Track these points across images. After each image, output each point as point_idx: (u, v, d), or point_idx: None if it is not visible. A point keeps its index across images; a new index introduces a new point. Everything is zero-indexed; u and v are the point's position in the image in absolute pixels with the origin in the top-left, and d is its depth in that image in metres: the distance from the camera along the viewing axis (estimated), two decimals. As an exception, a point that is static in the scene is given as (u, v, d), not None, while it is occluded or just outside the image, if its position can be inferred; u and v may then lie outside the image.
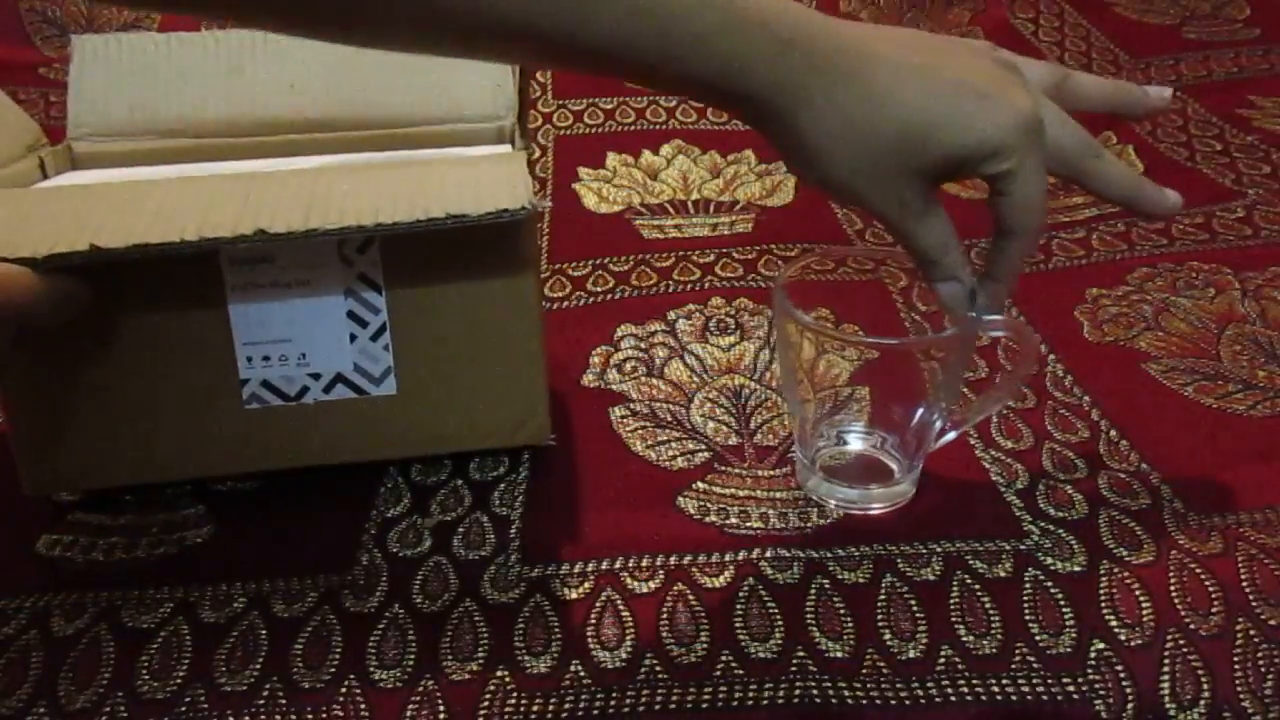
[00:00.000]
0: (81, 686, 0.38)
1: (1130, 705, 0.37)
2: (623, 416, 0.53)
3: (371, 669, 0.38)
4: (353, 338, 0.44)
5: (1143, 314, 0.61)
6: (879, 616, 0.40)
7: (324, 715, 0.37)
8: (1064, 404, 0.53)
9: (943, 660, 0.38)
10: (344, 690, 0.38)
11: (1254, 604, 0.40)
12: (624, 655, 0.39)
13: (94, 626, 0.41)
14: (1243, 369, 0.55)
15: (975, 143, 0.37)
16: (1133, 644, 0.39)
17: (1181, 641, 0.39)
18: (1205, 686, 0.37)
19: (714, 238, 0.72)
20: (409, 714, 0.37)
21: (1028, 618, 0.40)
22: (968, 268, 0.40)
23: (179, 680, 0.38)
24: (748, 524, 0.45)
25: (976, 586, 0.41)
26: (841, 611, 0.40)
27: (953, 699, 0.37)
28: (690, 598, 0.41)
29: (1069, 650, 0.38)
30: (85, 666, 0.39)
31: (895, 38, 0.38)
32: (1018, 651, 0.38)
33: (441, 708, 0.37)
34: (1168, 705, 0.37)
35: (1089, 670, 0.38)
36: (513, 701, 0.37)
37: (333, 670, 0.38)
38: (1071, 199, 0.76)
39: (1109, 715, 0.37)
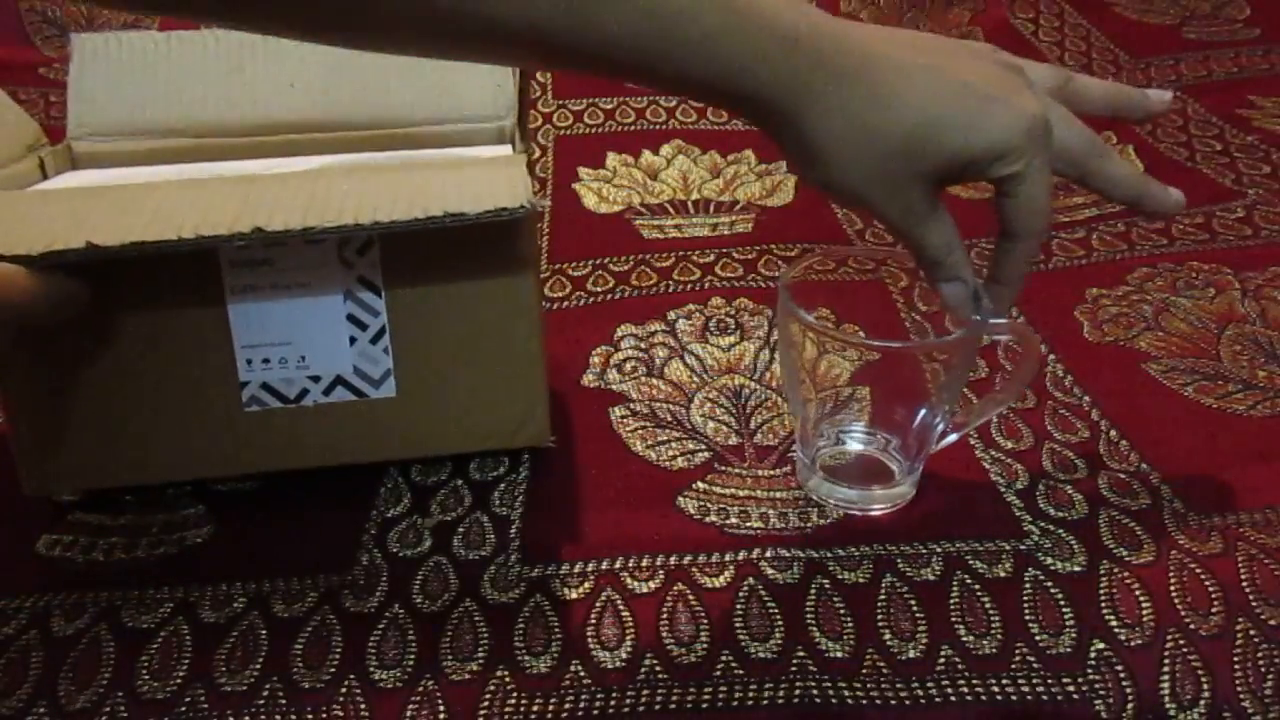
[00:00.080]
0: (81, 686, 0.38)
1: (1130, 705, 0.37)
2: (623, 416, 0.52)
3: (371, 669, 0.38)
4: (352, 340, 0.44)
5: (1143, 314, 0.61)
6: (879, 616, 0.40)
7: (324, 715, 0.37)
8: (1064, 404, 0.53)
9: (943, 660, 0.38)
10: (344, 690, 0.38)
11: (1254, 604, 0.40)
12: (624, 655, 0.39)
13: (94, 626, 0.41)
14: (1243, 369, 0.55)
15: (983, 145, 0.37)
16: (1133, 644, 0.39)
17: (1181, 641, 0.39)
18: (1205, 686, 0.37)
19: (714, 238, 0.72)
20: (409, 714, 0.37)
21: (1028, 618, 0.40)
22: (971, 268, 0.40)
23: (179, 680, 0.38)
24: (748, 524, 0.45)
25: (976, 586, 0.41)
26: (841, 611, 0.40)
27: (953, 699, 0.37)
28: (690, 598, 0.41)
29: (1069, 650, 0.38)
30: (85, 666, 0.39)
31: (901, 39, 0.38)
32: (1018, 651, 0.38)
33: (441, 708, 0.37)
34: (1168, 705, 0.37)
35: (1089, 670, 0.38)
36: (513, 701, 0.37)
37: (333, 670, 0.38)
38: (1072, 199, 0.76)
39: (1109, 715, 0.37)
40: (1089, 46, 1.04)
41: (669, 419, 0.52)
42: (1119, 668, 0.38)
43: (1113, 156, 0.41)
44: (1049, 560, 0.42)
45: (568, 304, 0.64)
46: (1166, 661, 0.38)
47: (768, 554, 0.43)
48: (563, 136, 0.89)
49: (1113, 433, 0.50)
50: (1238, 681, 0.37)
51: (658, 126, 0.89)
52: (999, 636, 0.39)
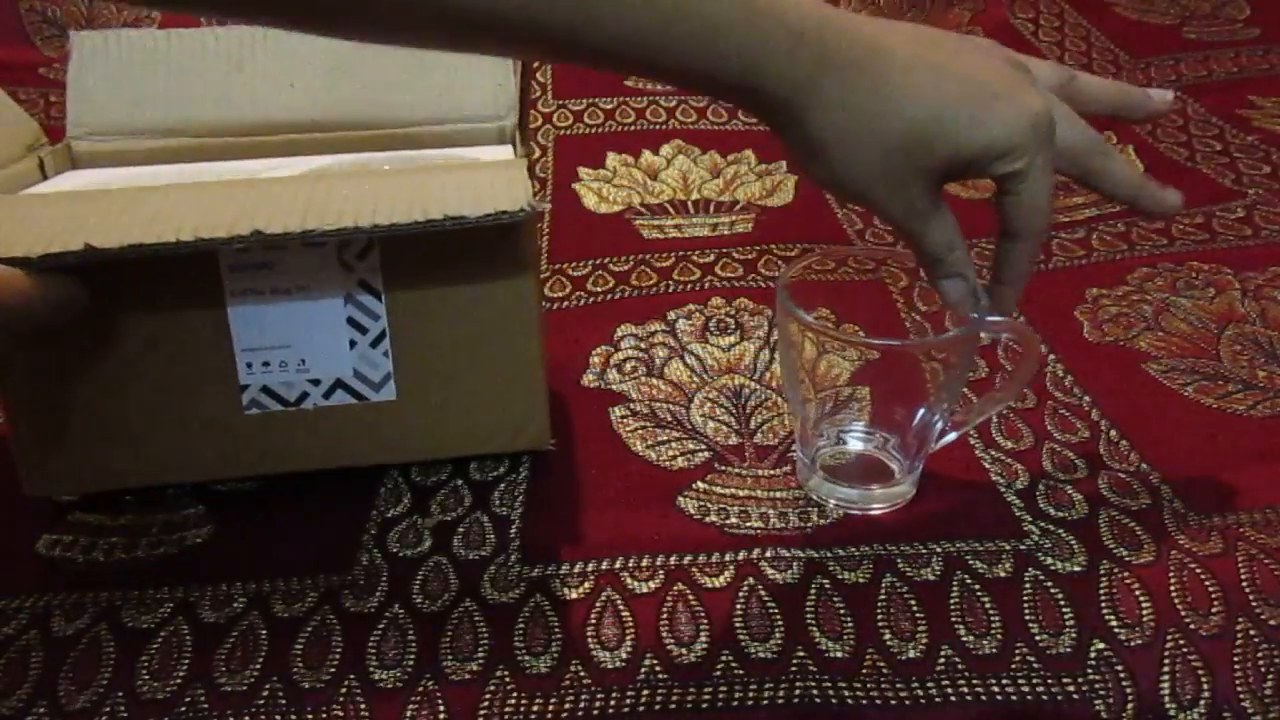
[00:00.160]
0: (81, 686, 0.38)
1: (1130, 705, 0.37)
2: (623, 416, 0.52)
3: (371, 669, 0.38)
4: (352, 344, 0.44)
5: (1143, 314, 0.61)
6: (879, 616, 0.40)
7: (324, 715, 0.37)
8: (1064, 404, 0.53)
9: (943, 660, 0.38)
10: (344, 690, 0.38)
11: (1254, 604, 0.40)
12: (624, 655, 0.39)
13: (94, 626, 0.41)
14: (1243, 369, 0.55)
15: (986, 142, 0.37)
16: (1133, 644, 0.39)
17: (1181, 641, 0.39)
18: (1205, 686, 0.37)
19: (714, 238, 0.72)
20: (409, 714, 0.37)
21: (1028, 618, 0.40)
22: (971, 266, 0.40)
23: (179, 680, 0.38)
24: (748, 524, 0.45)
25: (976, 586, 0.41)
26: (841, 611, 0.40)
27: (953, 699, 0.37)
28: (690, 598, 0.41)
29: (1069, 650, 0.38)
30: (85, 666, 0.39)
31: (906, 34, 0.38)
32: (1018, 651, 0.38)
33: (441, 708, 0.37)
34: (1168, 705, 0.37)
35: (1089, 670, 0.38)
36: (513, 701, 0.37)
37: (333, 670, 0.38)
38: (1072, 199, 0.76)
39: (1109, 715, 0.37)
40: (1089, 46, 1.04)
41: (669, 419, 0.52)
42: (1119, 668, 0.38)
43: (1114, 156, 0.41)
44: (1049, 560, 0.42)
45: (568, 304, 0.64)
46: (1166, 661, 0.38)
47: (768, 554, 0.43)
48: (563, 136, 0.89)
49: (1113, 433, 0.50)
50: (1238, 681, 0.37)
51: (658, 126, 0.89)
52: (999, 636, 0.39)
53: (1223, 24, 1.07)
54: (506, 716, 0.37)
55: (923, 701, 0.37)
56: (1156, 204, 0.42)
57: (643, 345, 0.59)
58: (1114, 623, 0.39)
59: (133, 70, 0.55)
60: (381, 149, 0.56)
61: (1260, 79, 0.96)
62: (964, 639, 0.39)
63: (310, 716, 0.37)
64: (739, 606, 0.40)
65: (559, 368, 0.56)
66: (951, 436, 0.46)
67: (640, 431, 0.51)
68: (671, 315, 0.61)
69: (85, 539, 0.45)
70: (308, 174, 0.47)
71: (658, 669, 0.38)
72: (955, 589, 0.41)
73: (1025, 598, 0.41)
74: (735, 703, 0.37)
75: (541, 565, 0.43)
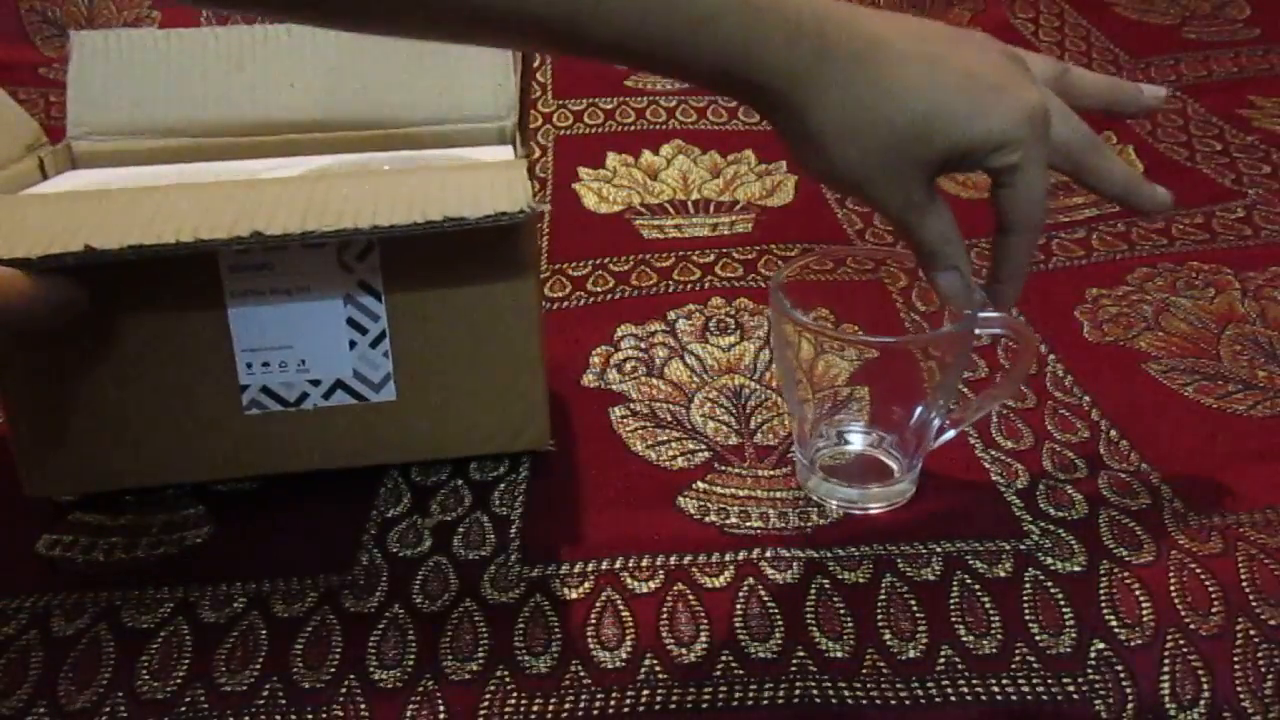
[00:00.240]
0: (81, 686, 0.38)
1: (1130, 705, 0.37)
2: (623, 416, 0.52)
3: (371, 669, 0.38)
4: (352, 344, 0.44)
5: (1143, 314, 0.61)
6: (879, 616, 0.40)
7: (324, 715, 0.37)
8: (1064, 404, 0.53)
9: (943, 660, 0.38)
10: (344, 690, 0.38)
11: (1254, 604, 0.40)
12: (624, 655, 0.39)
13: (94, 626, 0.41)
14: (1243, 369, 0.55)
15: (983, 134, 0.37)
16: (1133, 644, 0.39)
17: (1181, 641, 0.39)
18: (1205, 686, 0.37)
19: (714, 238, 0.72)
20: (409, 714, 0.37)
21: (1028, 618, 0.40)
22: (968, 260, 0.40)
23: (179, 680, 0.38)
24: (748, 524, 0.45)
25: (976, 586, 0.41)
26: (841, 611, 0.40)
27: (953, 699, 0.37)
28: (690, 598, 0.41)
29: (1069, 650, 0.38)
30: (85, 666, 0.39)
31: (905, 27, 0.38)
32: (1018, 651, 0.38)
33: (441, 708, 0.37)
34: (1168, 705, 0.37)
35: (1089, 670, 0.38)
36: (513, 701, 0.37)
37: (333, 670, 0.38)
38: (1072, 199, 0.76)
39: (1109, 715, 0.37)
40: (1089, 46, 1.04)
41: (669, 419, 0.52)
42: (1119, 668, 0.38)
43: (1108, 153, 0.41)
44: (1049, 560, 0.42)
45: (568, 304, 0.64)
46: (1166, 661, 0.38)
47: (768, 554, 0.43)
48: (563, 136, 0.89)
49: (1113, 433, 0.50)
50: (1238, 681, 0.37)
51: (658, 126, 0.89)
52: (999, 636, 0.39)
53: (1223, 24, 1.07)
54: (506, 716, 0.37)
55: (923, 701, 0.37)
56: (1149, 202, 0.42)
57: (643, 345, 0.59)
58: (1114, 623, 0.39)
59: (133, 70, 0.55)
60: (381, 149, 0.56)
61: (1260, 79, 0.96)
62: (964, 639, 0.39)
63: (310, 716, 0.37)
64: (739, 606, 0.40)
65: (559, 368, 0.56)
66: (950, 434, 0.46)
67: (640, 431, 0.51)
68: (671, 315, 0.61)
69: (85, 539, 0.45)
70: (308, 174, 0.47)
71: (658, 669, 0.38)
72: (955, 589, 0.41)
73: (1025, 598, 0.41)
74: (735, 703, 0.37)
75: (541, 565, 0.43)
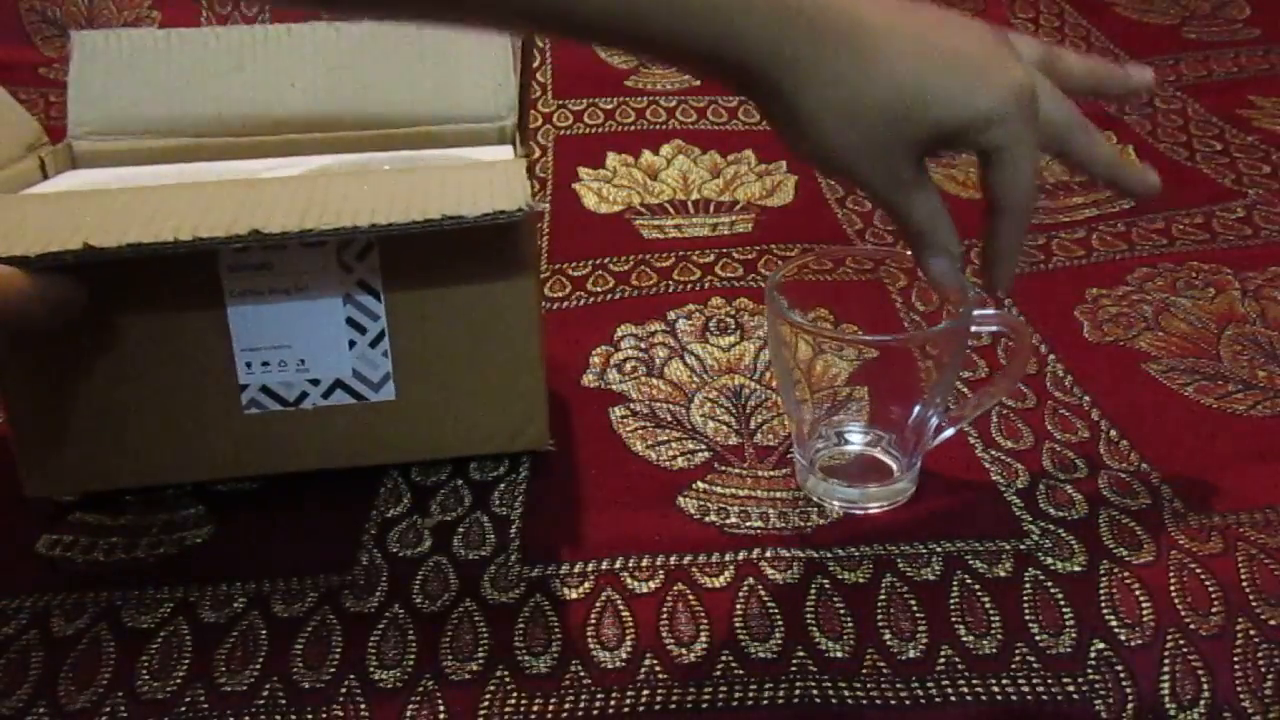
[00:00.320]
0: (81, 686, 0.38)
1: (1130, 705, 0.37)
2: (623, 416, 0.52)
3: (371, 669, 0.38)
4: (351, 344, 0.44)
5: (1143, 314, 0.61)
6: (879, 616, 0.40)
7: (324, 715, 0.37)
8: (1064, 404, 0.53)
9: (943, 660, 0.38)
10: (344, 690, 0.38)
11: (1254, 604, 0.40)
12: (624, 655, 0.39)
13: (94, 626, 0.41)
14: (1243, 369, 0.55)
15: (970, 113, 0.36)
16: (1133, 644, 0.39)
17: (1181, 641, 0.39)
18: (1205, 686, 0.37)
19: (714, 238, 0.72)
20: (409, 714, 0.37)
21: (1028, 618, 0.40)
22: (957, 242, 0.40)
23: (179, 680, 0.38)
24: (748, 524, 0.45)
25: (976, 586, 0.41)
26: (841, 611, 0.40)
27: (953, 699, 0.37)
28: (690, 598, 0.41)
29: (1069, 650, 0.38)
30: (85, 666, 0.39)
31: (891, 6, 0.37)
32: (1018, 651, 0.38)
33: (441, 708, 0.37)
34: (1168, 705, 0.37)
35: (1089, 670, 0.38)
36: (513, 701, 0.37)
37: (333, 670, 0.38)
38: (1072, 199, 0.76)
39: (1109, 715, 0.37)
40: (1089, 46, 1.04)
41: (669, 419, 0.52)
42: (1119, 668, 0.38)
43: (1094, 133, 0.41)
44: (1049, 560, 0.42)
45: (568, 304, 0.64)
46: (1166, 661, 0.38)
47: (768, 554, 0.43)
48: (563, 136, 0.89)
49: (1113, 433, 0.50)
50: (1238, 681, 0.37)
51: (658, 126, 0.89)
52: (999, 636, 0.39)
53: (1223, 24, 1.07)
54: (506, 716, 0.37)
55: (923, 701, 0.37)
56: (1138, 184, 0.42)
57: (643, 345, 0.59)
58: (1114, 623, 0.39)
59: (133, 70, 0.55)
60: (381, 149, 0.56)
61: (1260, 79, 0.96)
62: (964, 639, 0.39)
63: (310, 716, 0.37)
64: (739, 606, 0.40)
65: (559, 368, 0.56)
66: (949, 433, 0.46)
67: (640, 431, 0.51)
68: (671, 315, 0.61)
69: (85, 539, 0.45)
70: (307, 174, 0.47)
71: (658, 669, 0.38)
72: (955, 589, 0.41)
73: (1025, 598, 0.41)
74: (735, 703, 0.37)
75: (541, 565, 0.43)
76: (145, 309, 0.43)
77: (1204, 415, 0.51)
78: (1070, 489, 0.46)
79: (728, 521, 0.45)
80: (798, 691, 0.37)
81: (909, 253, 0.42)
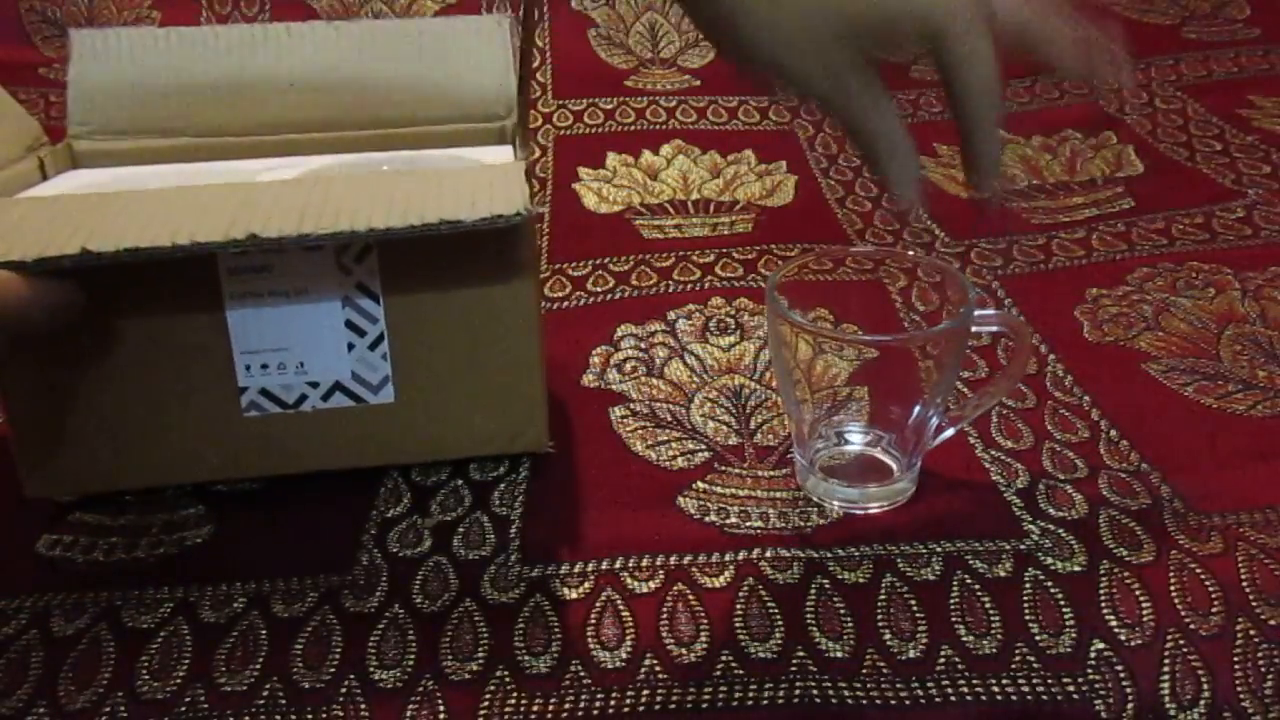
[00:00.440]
0: (81, 686, 0.38)
1: (1130, 705, 0.37)
2: (623, 416, 0.52)
3: (371, 669, 0.38)
4: (350, 346, 0.44)
5: (1143, 314, 0.61)
6: (879, 616, 0.40)
7: (324, 715, 0.37)
8: (1064, 404, 0.53)
9: (943, 660, 0.38)
10: (344, 690, 0.38)
11: (1254, 604, 0.40)
12: (624, 655, 0.39)
13: (94, 626, 0.41)
14: (1243, 369, 0.55)
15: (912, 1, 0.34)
16: (1133, 644, 0.39)
17: (1181, 641, 0.39)
18: (1205, 686, 0.37)
19: (714, 238, 0.72)
20: (409, 714, 0.37)
21: (1028, 618, 0.40)
22: (913, 149, 0.37)
23: (179, 680, 0.38)
24: (748, 524, 0.45)
25: (976, 586, 0.41)
26: (841, 611, 0.40)
27: (953, 699, 0.37)
28: (690, 598, 0.41)
29: (1069, 650, 0.38)
30: (85, 666, 0.39)
31: None
32: (1018, 651, 0.38)
33: (441, 708, 0.37)
34: (1168, 705, 0.37)
35: (1089, 670, 0.38)
36: (513, 701, 0.37)
37: (333, 670, 0.38)
38: (1072, 199, 0.76)
39: (1109, 715, 0.37)
40: (1089, 46, 1.04)
41: (669, 419, 0.52)
42: (1119, 668, 0.38)
43: (1055, 22, 0.37)
44: (1049, 560, 0.42)
45: (568, 304, 0.64)
46: (1166, 661, 0.38)
47: (768, 554, 0.43)
48: (563, 136, 0.89)
49: (1113, 433, 0.50)
50: (1238, 681, 0.37)
51: (658, 126, 0.89)
52: (999, 636, 0.39)
53: (1223, 24, 1.07)
54: (506, 716, 0.37)
55: (923, 701, 0.37)
56: (1110, 71, 0.39)
57: (643, 345, 0.59)
58: (1114, 623, 0.39)
59: (133, 69, 0.55)
60: (381, 149, 0.56)
61: (1260, 79, 0.96)
62: (964, 639, 0.39)
63: (310, 716, 0.37)
64: (739, 606, 0.40)
65: (559, 368, 0.56)
66: (949, 433, 0.46)
67: (640, 431, 0.51)
68: (671, 315, 0.62)
69: (85, 539, 0.45)
70: (305, 176, 0.47)
71: (658, 669, 0.38)
72: (955, 589, 0.41)
73: (1025, 598, 0.41)
74: (735, 703, 0.37)
75: (541, 565, 0.43)
76: (144, 311, 0.43)
77: (1204, 415, 0.51)
78: (1070, 489, 0.46)
79: (728, 521, 0.45)
80: (798, 691, 0.37)
81: (909, 253, 0.41)
